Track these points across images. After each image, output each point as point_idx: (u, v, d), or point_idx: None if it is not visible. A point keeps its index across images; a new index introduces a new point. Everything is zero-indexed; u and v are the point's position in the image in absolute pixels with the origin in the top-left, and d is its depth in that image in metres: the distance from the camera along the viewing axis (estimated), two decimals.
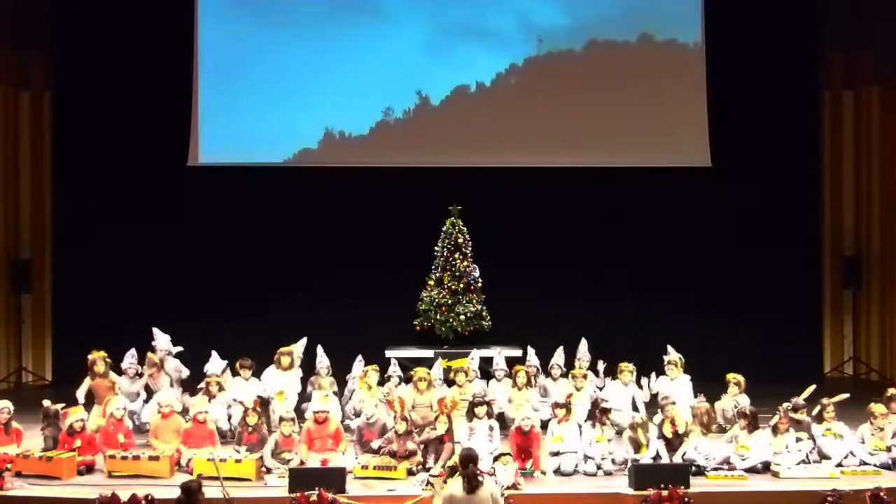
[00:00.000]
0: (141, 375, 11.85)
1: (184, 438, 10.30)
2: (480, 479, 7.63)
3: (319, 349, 12.18)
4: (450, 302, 13.74)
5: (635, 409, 11.70)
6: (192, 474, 9.74)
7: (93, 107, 15.91)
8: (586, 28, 16.27)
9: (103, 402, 11.18)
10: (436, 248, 14.16)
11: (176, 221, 15.86)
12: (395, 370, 12.08)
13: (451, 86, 16.24)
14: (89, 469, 10.00)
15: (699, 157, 16.18)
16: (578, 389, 11.77)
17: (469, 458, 7.77)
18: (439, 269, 14.00)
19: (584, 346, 12.53)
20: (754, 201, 16.21)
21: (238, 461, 9.78)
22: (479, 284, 14.03)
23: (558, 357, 12.38)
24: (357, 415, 11.42)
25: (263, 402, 11.27)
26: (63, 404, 10.67)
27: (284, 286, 15.52)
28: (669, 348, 12.19)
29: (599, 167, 15.92)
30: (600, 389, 12.03)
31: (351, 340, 13.48)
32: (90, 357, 11.52)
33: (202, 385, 11.58)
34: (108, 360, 11.58)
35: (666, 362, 11.95)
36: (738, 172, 16.04)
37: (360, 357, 12.31)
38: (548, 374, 12.30)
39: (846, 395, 10.89)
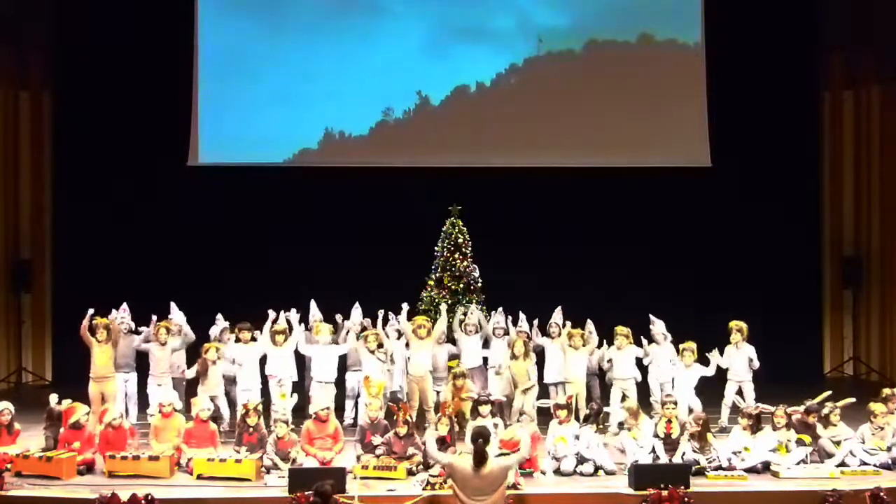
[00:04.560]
0: (132, 332, 12.15)
1: (185, 438, 10.29)
2: (487, 455, 7.66)
3: (313, 304, 12.60)
4: (450, 302, 13.74)
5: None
6: (191, 474, 9.75)
7: (92, 107, 15.93)
8: (586, 28, 16.30)
9: (99, 400, 11.27)
10: (436, 248, 14.15)
11: (176, 221, 15.88)
12: (394, 324, 12.23)
13: (451, 86, 16.27)
14: (89, 469, 10.01)
15: (699, 157, 16.20)
16: (576, 348, 11.94)
17: (479, 435, 7.79)
18: (439, 269, 13.99)
19: (590, 325, 12.48)
20: (754, 201, 16.22)
21: (238, 461, 9.78)
22: (479, 284, 14.02)
23: (557, 317, 12.42)
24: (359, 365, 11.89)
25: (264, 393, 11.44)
26: (69, 400, 10.66)
27: (284, 286, 15.46)
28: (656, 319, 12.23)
29: (599, 167, 15.93)
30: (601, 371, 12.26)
31: None
32: (94, 322, 11.61)
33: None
34: (110, 327, 11.72)
35: (681, 349, 11.92)
36: (738, 172, 16.06)
37: (357, 305, 12.50)
38: (546, 333, 12.35)
39: (852, 400, 10.85)
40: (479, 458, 7.62)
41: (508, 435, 10.07)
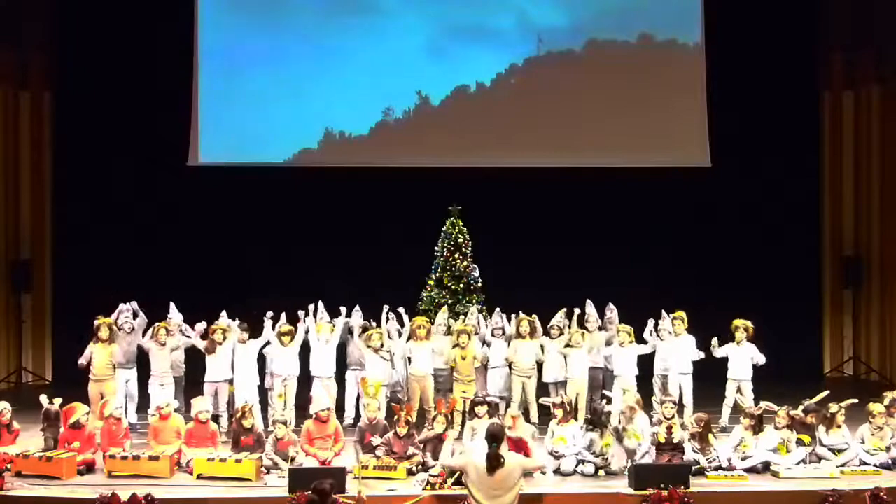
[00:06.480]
0: (133, 331, 12.16)
1: (186, 439, 10.29)
2: (502, 460, 7.64)
3: (321, 305, 12.48)
4: (450, 302, 13.73)
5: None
6: (191, 474, 9.75)
7: (93, 107, 15.94)
8: (586, 28, 16.30)
9: (98, 400, 11.27)
10: (436, 248, 14.15)
11: (176, 221, 15.90)
12: (394, 325, 12.27)
13: (451, 86, 16.28)
14: (89, 469, 10.00)
15: (699, 157, 16.21)
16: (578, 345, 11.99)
17: (493, 437, 7.76)
18: (439, 269, 13.99)
19: (590, 307, 12.55)
20: (754, 201, 16.23)
21: (238, 461, 9.78)
22: (479, 284, 14.02)
23: (558, 319, 12.44)
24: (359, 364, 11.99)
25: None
26: (60, 399, 10.65)
27: (284, 286, 15.50)
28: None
29: (599, 167, 15.94)
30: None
31: None
32: (96, 323, 11.74)
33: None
34: (112, 327, 11.85)
35: (671, 319, 11.99)
36: (738, 172, 16.07)
37: (357, 307, 12.54)
38: (546, 333, 12.37)
39: (854, 401, 10.84)
40: (494, 463, 7.60)
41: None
